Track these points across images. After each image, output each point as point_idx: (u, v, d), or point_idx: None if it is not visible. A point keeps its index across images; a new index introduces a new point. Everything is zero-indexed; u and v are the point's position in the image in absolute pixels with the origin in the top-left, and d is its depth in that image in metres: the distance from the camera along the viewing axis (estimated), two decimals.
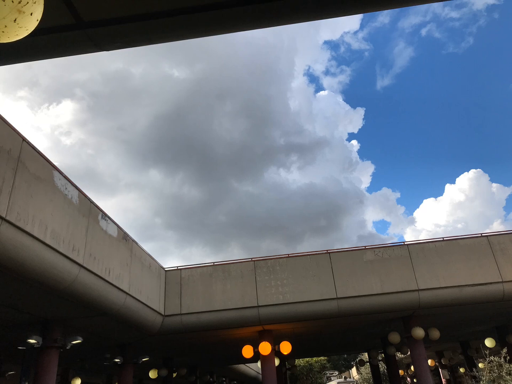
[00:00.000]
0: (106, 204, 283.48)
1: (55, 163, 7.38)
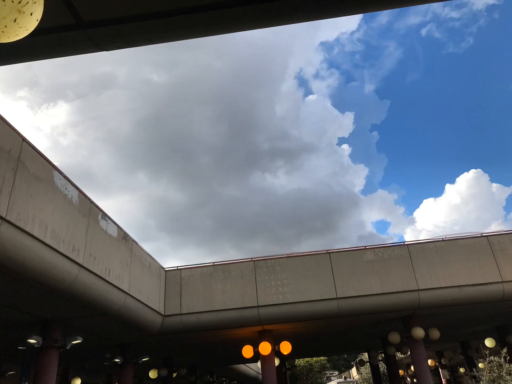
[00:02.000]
0: (102, 205, 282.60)
1: (55, 163, 7.38)
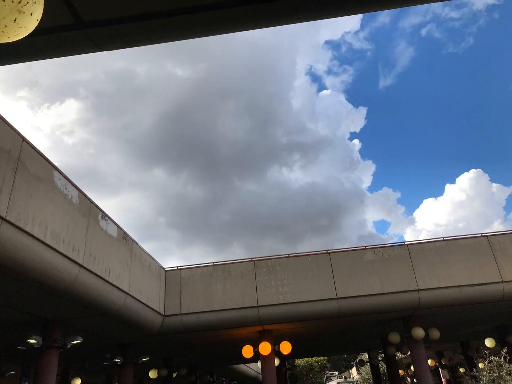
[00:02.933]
0: (107, 203, 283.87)
1: (55, 163, 7.38)
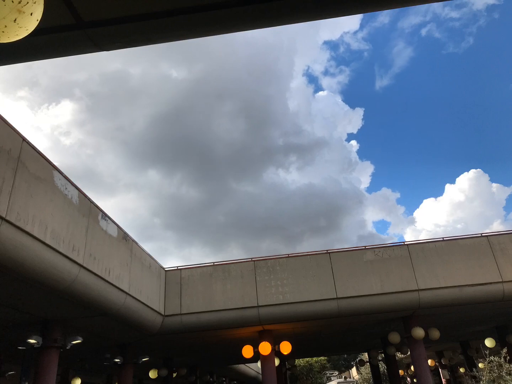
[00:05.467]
0: (105, 204, 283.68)
1: (55, 163, 7.38)
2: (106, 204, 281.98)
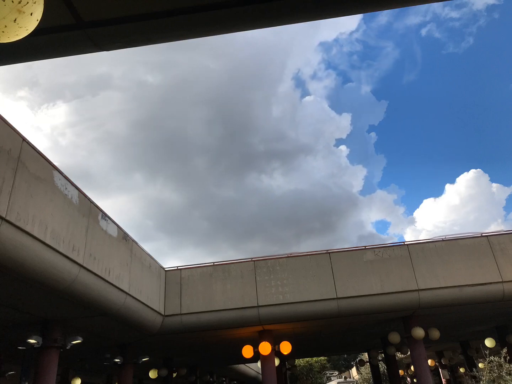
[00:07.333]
0: (101, 205, 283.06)
1: (55, 163, 7.38)
2: (102, 205, 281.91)
